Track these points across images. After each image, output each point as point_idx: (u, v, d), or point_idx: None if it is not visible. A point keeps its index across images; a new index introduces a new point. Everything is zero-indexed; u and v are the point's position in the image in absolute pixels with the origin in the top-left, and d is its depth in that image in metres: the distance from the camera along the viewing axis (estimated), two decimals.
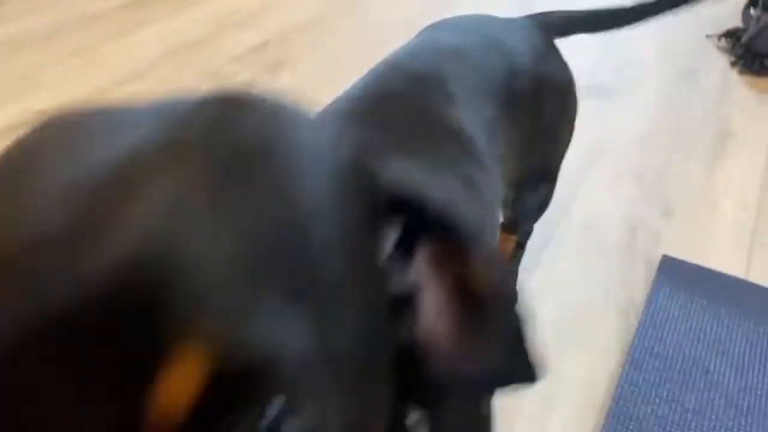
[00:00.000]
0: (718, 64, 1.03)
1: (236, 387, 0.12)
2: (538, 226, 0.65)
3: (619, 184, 0.75)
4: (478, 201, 0.35)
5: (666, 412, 0.50)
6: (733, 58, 1.03)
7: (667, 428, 0.49)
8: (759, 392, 0.51)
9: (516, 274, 0.59)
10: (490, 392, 0.25)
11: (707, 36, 1.11)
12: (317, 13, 1.13)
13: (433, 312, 0.18)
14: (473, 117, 0.38)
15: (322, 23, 1.10)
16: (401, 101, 0.37)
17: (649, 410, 0.50)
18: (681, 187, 0.74)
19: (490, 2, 1.10)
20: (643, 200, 0.72)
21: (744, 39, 1.01)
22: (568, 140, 0.53)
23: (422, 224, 0.18)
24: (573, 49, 1.01)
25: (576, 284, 0.61)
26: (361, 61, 0.95)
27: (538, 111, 0.45)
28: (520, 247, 0.59)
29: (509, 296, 0.20)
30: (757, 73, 0.99)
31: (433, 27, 0.48)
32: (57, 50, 0.96)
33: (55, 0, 1.12)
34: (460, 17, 0.49)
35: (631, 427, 0.49)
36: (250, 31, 1.06)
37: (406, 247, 0.18)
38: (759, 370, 0.53)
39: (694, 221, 0.69)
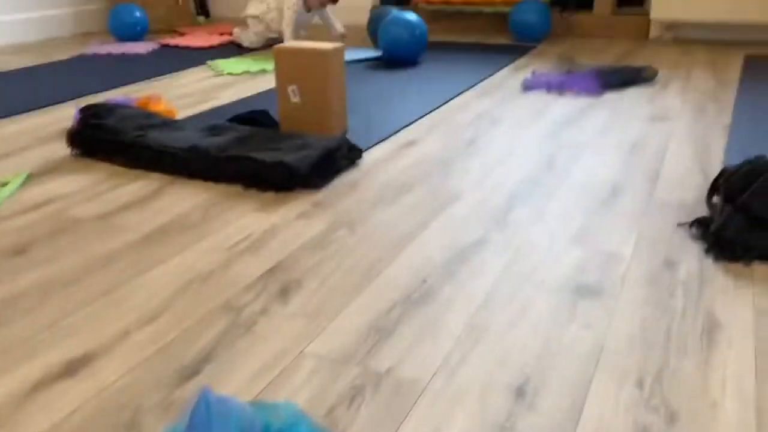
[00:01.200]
0: (694, 252, 1.11)
1: None
2: None
3: (622, 389, 0.78)
4: None
5: None
6: (706, 246, 1.11)
7: None
8: None
9: None
10: None
11: (679, 224, 1.20)
12: (320, 231, 1.23)
13: None
14: None
15: (326, 241, 1.19)
16: None
17: None
18: (680, 388, 0.78)
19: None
20: (648, 405, 0.75)
21: (712, 228, 1.10)
22: None
23: None
24: (558, 247, 1.09)
25: None
26: (367, 276, 1.02)
27: None
28: None
29: None
30: (731, 260, 1.07)
31: None
32: (83, 294, 1.03)
33: (76, 242, 1.21)
34: None
35: None
36: (258, 257, 1.14)
37: None
38: None
39: (699, 425, 0.72)
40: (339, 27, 2.86)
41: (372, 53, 2.76)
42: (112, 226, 1.28)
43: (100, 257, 1.15)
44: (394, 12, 2.74)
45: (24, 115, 2.06)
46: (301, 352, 0.88)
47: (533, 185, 1.42)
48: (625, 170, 1.48)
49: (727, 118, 1.81)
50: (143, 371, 0.84)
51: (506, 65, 2.55)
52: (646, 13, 2.93)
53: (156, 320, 0.96)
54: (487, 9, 3.11)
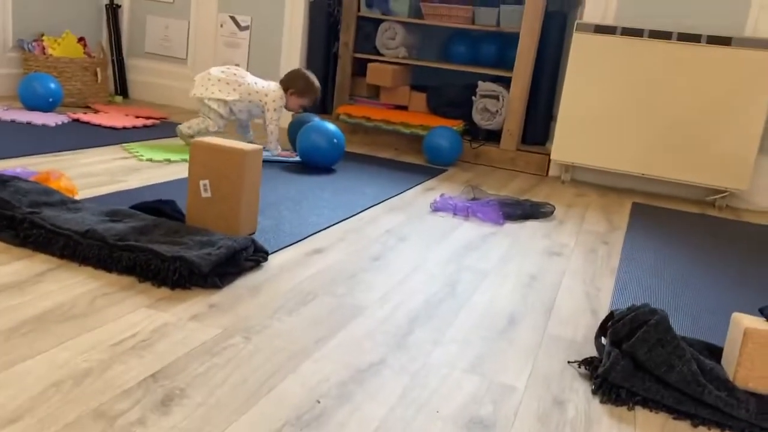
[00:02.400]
0: (582, 391, 1.14)
1: None
2: None
3: None
4: None
5: None
6: (593, 387, 1.14)
7: None
8: None
9: None
10: None
11: (569, 362, 1.24)
12: (213, 336, 1.17)
13: None
14: None
15: (218, 348, 1.13)
16: None
17: None
18: None
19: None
20: None
21: (600, 371, 1.14)
22: None
23: None
24: (455, 375, 1.09)
25: None
26: (258, 391, 0.97)
27: None
28: None
29: None
30: (616, 403, 1.10)
31: None
32: None
33: None
34: None
35: None
36: (141, 359, 1.07)
37: None
38: None
39: None
40: (275, 145, 2.82)
41: (292, 156, 2.79)
42: None
43: None
44: (315, 120, 2.82)
45: None
46: None
47: (435, 308, 1.43)
48: (522, 301, 1.54)
49: (615, 262, 1.94)
50: None
51: (417, 184, 2.64)
52: (548, 153, 3.16)
53: (16, 423, 0.86)
54: (404, 129, 3.26)
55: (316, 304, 1.38)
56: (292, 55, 3.64)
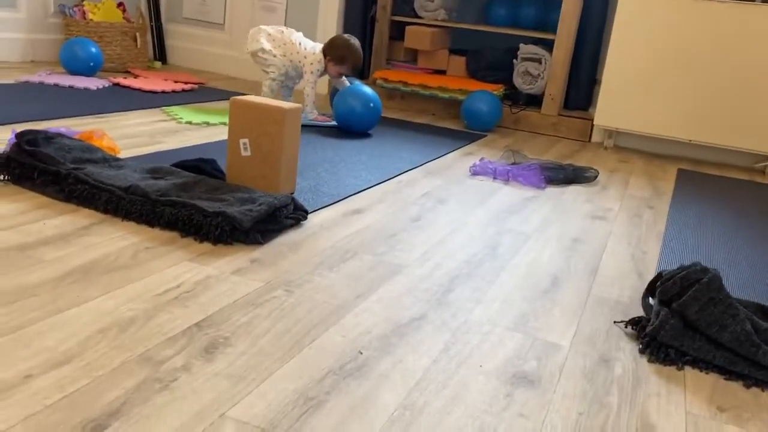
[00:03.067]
0: (629, 350, 1.11)
1: None
2: None
3: None
4: None
5: None
6: (641, 346, 1.11)
7: None
8: None
9: None
10: None
11: (615, 322, 1.21)
12: (255, 289, 1.17)
13: None
14: None
15: (261, 300, 1.13)
16: None
17: None
18: None
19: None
20: None
21: (648, 330, 1.11)
22: None
23: None
24: (498, 331, 1.08)
25: None
26: (301, 341, 0.97)
27: None
28: None
29: None
30: (665, 363, 1.07)
31: None
32: None
33: None
34: None
35: None
36: (185, 308, 1.07)
37: None
38: None
39: None
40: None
41: (328, 121, 2.78)
42: (31, 259, 1.19)
43: (13, 290, 1.06)
44: (353, 83, 2.79)
45: None
46: (222, 415, 0.81)
47: (475, 267, 1.41)
48: (565, 263, 1.50)
49: (661, 226, 1.88)
50: (44, 420, 0.76)
51: (456, 149, 2.61)
52: (591, 118, 3.08)
53: (66, 365, 0.88)
54: (442, 94, 3.21)
55: (356, 261, 1.37)
56: (329, 18, 3.60)
